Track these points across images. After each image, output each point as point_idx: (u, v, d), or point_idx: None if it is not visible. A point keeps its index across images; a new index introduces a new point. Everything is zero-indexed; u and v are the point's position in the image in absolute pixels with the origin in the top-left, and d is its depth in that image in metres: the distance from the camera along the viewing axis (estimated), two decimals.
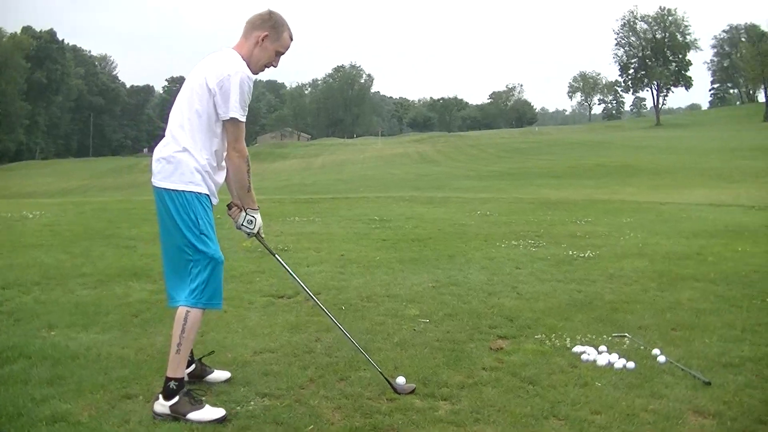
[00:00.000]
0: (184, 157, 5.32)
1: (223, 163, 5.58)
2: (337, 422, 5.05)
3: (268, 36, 5.53)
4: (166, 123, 5.54)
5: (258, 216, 5.74)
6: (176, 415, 5.12)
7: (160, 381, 5.34)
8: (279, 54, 5.67)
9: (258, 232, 5.80)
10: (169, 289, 5.52)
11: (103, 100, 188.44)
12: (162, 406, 5.16)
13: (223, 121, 5.36)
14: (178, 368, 5.28)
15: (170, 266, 5.52)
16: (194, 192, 5.33)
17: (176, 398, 5.15)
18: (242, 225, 5.72)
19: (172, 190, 5.32)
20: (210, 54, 5.59)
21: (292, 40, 5.69)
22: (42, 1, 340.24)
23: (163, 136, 5.50)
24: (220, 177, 5.60)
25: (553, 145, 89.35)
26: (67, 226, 16.10)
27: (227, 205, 5.78)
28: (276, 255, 6.05)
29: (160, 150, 5.46)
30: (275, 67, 5.75)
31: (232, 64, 5.35)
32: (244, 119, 5.39)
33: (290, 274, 6.11)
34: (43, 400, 5.31)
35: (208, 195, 5.43)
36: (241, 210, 5.71)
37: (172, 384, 5.18)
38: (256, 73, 5.58)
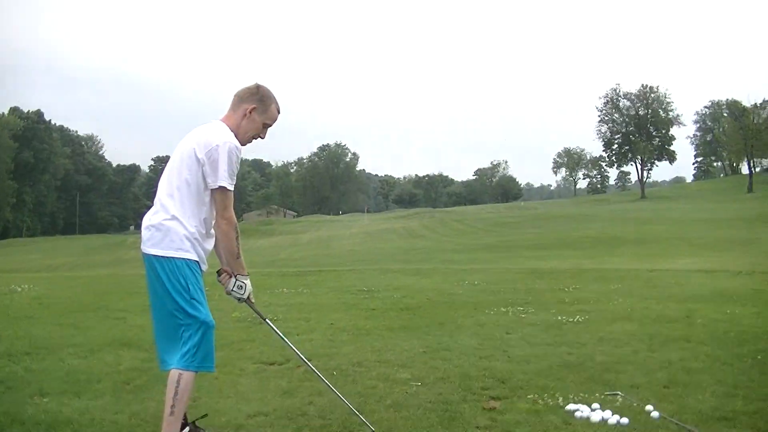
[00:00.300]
0: (174, 225, 5.40)
1: (212, 231, 5.64)
2: None
3: (256, 108, 5.66)
4: (155, 192, 5.60)
5: (248, 281, 5.77)
6: None
7: None
8: (266, 126, 5.80)
9: (248, 298, 5.82)
10: (161, 354, 5.54)
11: (90, 178, 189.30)
12: None
13: (211, 189, 5.45)
14: (173, 430, 5.26)
15: (162, 331, 5.53)
16: (184, 258, 5.39)
17: None
18: (232, 290, 5.75)
19: (162, 256, 5.38)
20: (199, 126, 5.67)
21: (279, 112, 5.84)
22: (29, 81, 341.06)
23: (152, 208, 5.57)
24: (209, 244, 5.67)
25: (539, 218, 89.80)
26: (57, 299, 16.10)
27: (217, 272, 5.82)
28: (267, 320, 6.07)
29: (150, 218, 5.53)
30: (262, 138, 5.88)
31: (221, 135, 5.45)
32: (232, 188, 5.49)
33: (282, 338, 6.14)
34: None
35: (197, 261, 5.49)
36: (230, 276, 5.75)
37: None
38: (244, 145, 5.69)
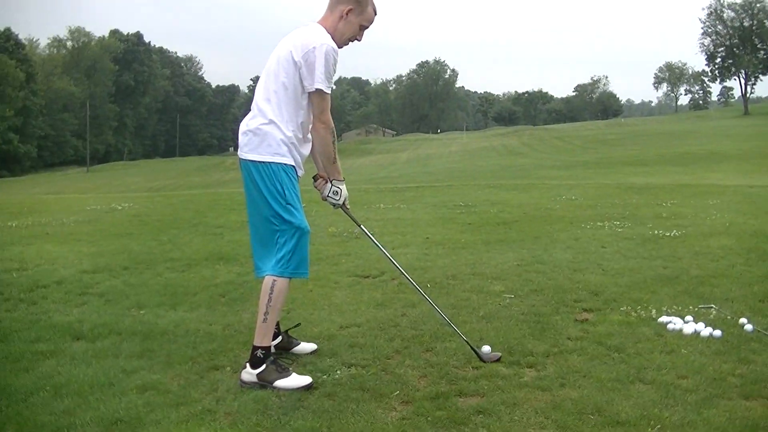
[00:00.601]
0: (271, 129, 5.37)
1: (309, 136, 5.62)
2: (423, 389, 5.07)
3: (353, 10, 5.51)
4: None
5: (343, 187, 5.78)
6: (263, 383, 5.18)
7: (247, 353, 5.43)
8: (363, 28, 5.66)
9: (344, 204, 5.84)
10: (256, 260, 5.59)
11: (190, 100, 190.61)
12: (249, 374, 5.24)
13: (308, 93, 5.39)
14: (265, 337, 5.34)
15: (257, 237, 5.58)
16: (280, 163, 5.37)
17: (263, 366, 5.21)
18: (328, 196, 5.77)
19: (259, 161, 5.37)
20: (296, 28, 5.61)
21: (376, 14, 5.67)
22: (128, 4, 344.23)
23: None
24: (306, 149, 5.64)
25: (639, 135, 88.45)
26: (156, 216, 16.41)
27: (313, 177, 5.82)
28: (362, 226, 6.08)
29: (247, 123, 5.52)
30: (359, 41, 5.74)
31: (317, 37, 5.36)
32: (329, 91, 5.42)
33: (376, 245, 6.14)
34: (133, 371, 5.44)
35: (293, 166, 5.47)
36: (326, 182, 5.76)
37: (259, 353, 5.25)
38: (341, 47, 5.56)
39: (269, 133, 5.37)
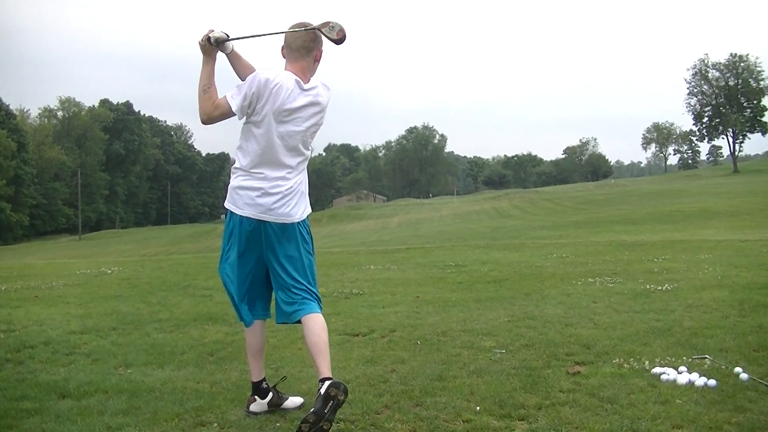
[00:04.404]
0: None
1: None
2: None
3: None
4: None
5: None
6: None
7: (234, 410, 5.49)
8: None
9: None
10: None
11: (180, 168, 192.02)
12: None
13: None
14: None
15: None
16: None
17: None
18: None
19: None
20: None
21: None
22: (118, 74, 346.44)
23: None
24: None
25: (629, 195, 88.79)
26: (145, 279, 16.36)
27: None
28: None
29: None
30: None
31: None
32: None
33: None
34: (118, 428, 5.37)
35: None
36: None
37: None
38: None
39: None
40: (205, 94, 5.40)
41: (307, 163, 5.73)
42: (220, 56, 5.69)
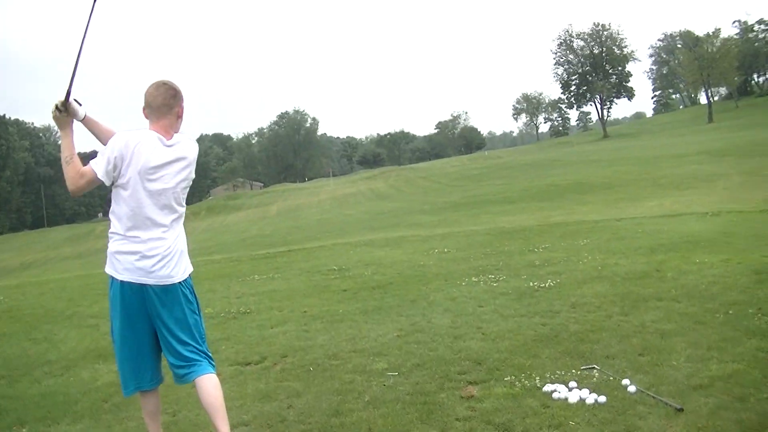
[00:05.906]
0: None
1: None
2: None
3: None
4: None
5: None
6: None
7: None
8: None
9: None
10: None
11: (52, 170, 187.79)
12: None
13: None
14: None
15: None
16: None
17: None
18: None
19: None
20: None
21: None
22: None
23: None
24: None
25: (504, 168, 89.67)
26: (28, 310, 15.91)
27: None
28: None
29: None
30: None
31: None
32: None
33: None
34: None
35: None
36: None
37: None
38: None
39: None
40: (68, 165, 5.41)
41: (182, 219, 5.71)
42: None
